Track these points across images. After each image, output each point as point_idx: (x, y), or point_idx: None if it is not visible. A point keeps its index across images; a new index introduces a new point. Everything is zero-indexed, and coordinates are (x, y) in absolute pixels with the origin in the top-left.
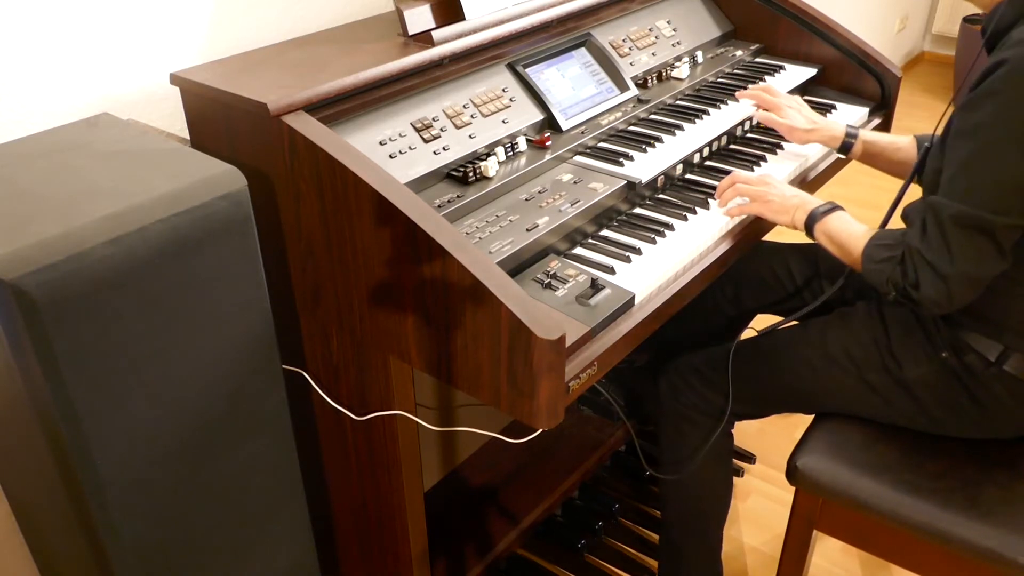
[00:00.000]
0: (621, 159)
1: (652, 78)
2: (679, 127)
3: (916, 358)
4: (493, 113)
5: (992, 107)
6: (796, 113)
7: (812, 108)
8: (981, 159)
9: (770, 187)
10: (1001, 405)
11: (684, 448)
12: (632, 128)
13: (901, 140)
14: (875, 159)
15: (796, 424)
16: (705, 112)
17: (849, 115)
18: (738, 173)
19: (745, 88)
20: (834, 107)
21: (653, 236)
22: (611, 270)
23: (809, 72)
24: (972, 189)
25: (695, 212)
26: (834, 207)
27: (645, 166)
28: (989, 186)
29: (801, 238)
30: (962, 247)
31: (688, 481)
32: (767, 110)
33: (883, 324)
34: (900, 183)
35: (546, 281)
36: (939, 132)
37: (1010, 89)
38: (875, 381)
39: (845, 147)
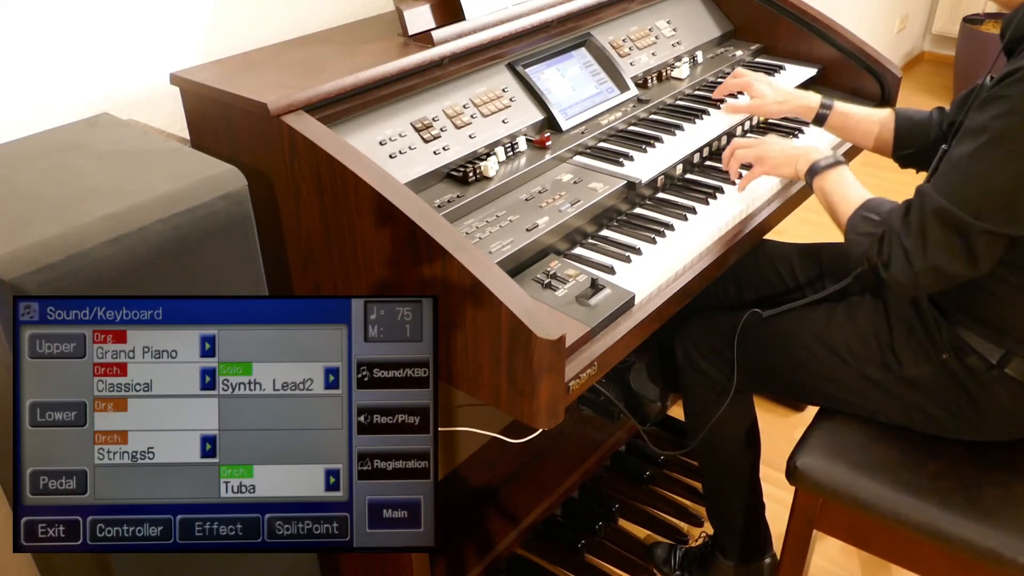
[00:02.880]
0: (621, 159)
1: (652, 78)
2: (679, 127)
3: (916, 358)
4: (493, 113)
5: (997, 112)
6: (766, 87)
7: None
8: (976, 161)
9: (769, 144)
10: (1000, 407)
11: (704, 411)
12: (632, 128)
13: (877, 113)
14: (850, 132)
15: (796, 424)
16: (705, 112)
17: None
18: (737, 140)
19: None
20: None
21: (653, 236)
22: (611, 270)
23: (809, 72)
24: (960, 188)
25: (695, 212)
26: (837, 161)
27: (645, 166)
28: (977, 189)
29: (802, 237)
30: (936, 241)
31: (714, 440)
32: (740, 93)
33: (887, 321)
34: (891, 171)
35: (546, 281)
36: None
37: (1018, 98)
38: (874, 376)
39: (819, 118)
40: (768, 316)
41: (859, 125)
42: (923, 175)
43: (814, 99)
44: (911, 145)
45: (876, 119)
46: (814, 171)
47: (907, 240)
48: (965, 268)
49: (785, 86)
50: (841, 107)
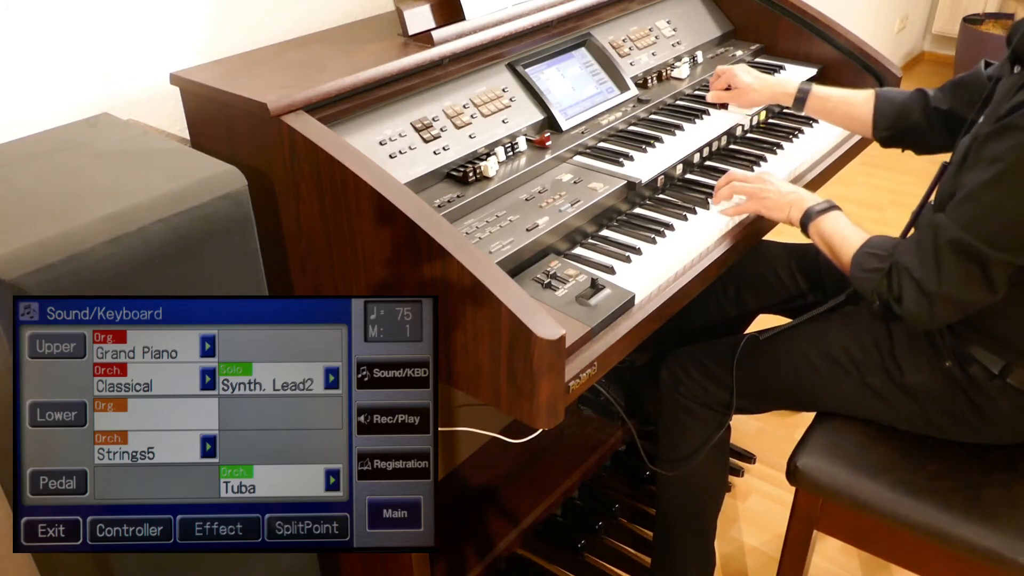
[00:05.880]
0: (621, 159)
1: (652, 78)
2: (679, 127)
3: (918, 365)
4: (493, 113)
5: (1012, 142)
6: (747, 75)
7: None
8: (991, 191)
9: (766, 184)
10: (1003, 415)
11: (684, 441)
12: (632, 128)
13: (857, 95)
14: (830, 114)
15: (796, 424)
16: (705, 112)
17: None
18: (734, 172)
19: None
20: None
21: (653, 236)
22: (611, 270)
23: (809, 72)
24: (976, 219)
25: (695, 212)
26: (831, 206)
27: (645, 166)
28: (993, 220)
29: (802, 238)
30: (952, 271)
31: (686, 474)
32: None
33: (887, 328)
34: (890, 171)
35: (546, 281)
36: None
37: None
38: (875, 384)
39: (798, 103)
40: (765, 338)
41: (838, 107)
42: (921, 174)
43: (791, 85)
44: (891, 127)
45: (856, 100)
46: (809, 216)
47: (918, 271)
48: (983, 296)
49: (765, 75)
50: (819, 91)
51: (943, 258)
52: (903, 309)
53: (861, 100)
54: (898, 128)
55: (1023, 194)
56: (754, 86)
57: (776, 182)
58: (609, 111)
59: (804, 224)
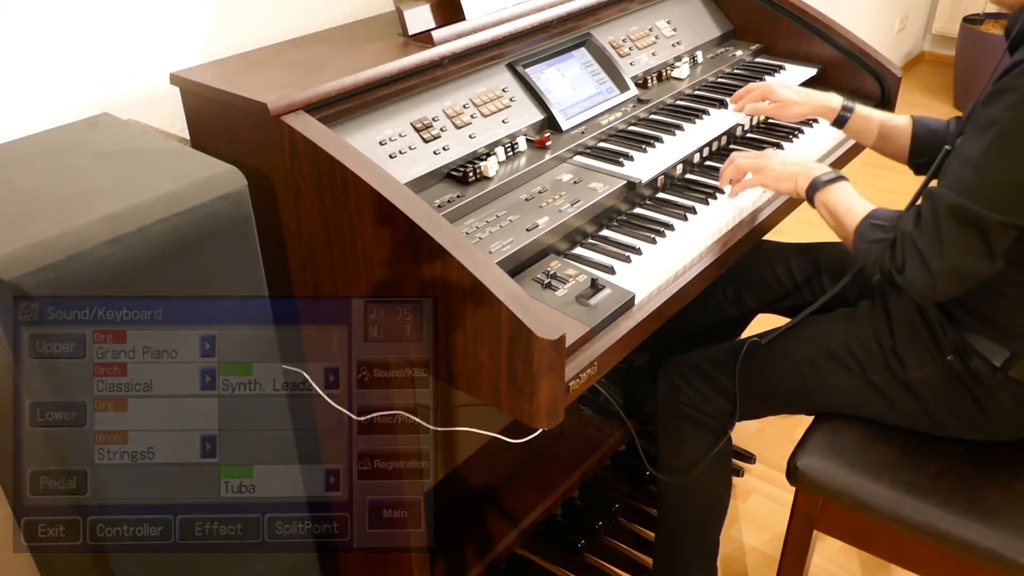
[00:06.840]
0: (621, 159)
1: (652, 78)
2: (679, 127)
3: (920, 360)
4: (493, 113)
5: (1005, 105)
6: (787, 90)
7: None
8: (988, 155)
9: (770, 157)
10: (1005, 409)
11: (684, 448)
12: (632, 128)
13: (896, 119)
14: (868, 136)
15: (796, 424)
16: (705, 112)
17: None
18: (737, 152)
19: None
20: None
21: (653, 236)
22: (611, 270)
23: (809, 72)
24: (974, 184)
25: (695, 212)
26: (839, 177)
27: (645, 166)
28: (992, 183)
29: (802, 237)
30: (953, 240)
31: (688, 482)
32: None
33: (888, 324)
34: (891, 170)
35: (546, 281)
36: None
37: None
38: (878, 381)
39: (840, 120)
40: (767, 342)
41: (878, 130)
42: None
43: (835, 100)
44: (927, 153)
45: (895, 124)
46: (816, 187)
47: (921, 242)
48: (984, 265)
49: (806, 89)
50: (862, 111)
51: (943, 227)
52: (905, 279)
53: (901, 125)
54: (933, 155)
55: (1019, 153)
56: (796, 99)
57: (780, 154)
58: (609, 111)
59: (810, 194)
